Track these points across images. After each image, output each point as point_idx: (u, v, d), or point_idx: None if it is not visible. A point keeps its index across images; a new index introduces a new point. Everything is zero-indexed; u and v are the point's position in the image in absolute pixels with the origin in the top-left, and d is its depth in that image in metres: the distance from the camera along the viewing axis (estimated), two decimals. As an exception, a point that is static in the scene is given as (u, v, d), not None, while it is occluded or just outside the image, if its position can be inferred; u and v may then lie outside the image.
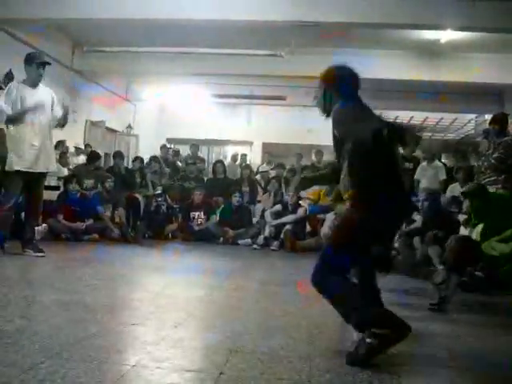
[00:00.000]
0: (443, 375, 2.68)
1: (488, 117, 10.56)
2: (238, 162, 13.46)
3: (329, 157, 12.57)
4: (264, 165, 13.44)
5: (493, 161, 6.45)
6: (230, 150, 16.85)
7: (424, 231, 6.61)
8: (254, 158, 15.98)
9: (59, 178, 9.18)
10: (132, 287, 4.83)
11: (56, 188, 8.98)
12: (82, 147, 11.57)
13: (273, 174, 11.12)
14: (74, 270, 5.46)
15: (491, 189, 6.44)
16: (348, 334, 3.35)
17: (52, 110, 6.15)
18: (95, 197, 8.90)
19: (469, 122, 14.71)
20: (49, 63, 6.21)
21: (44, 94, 6.11)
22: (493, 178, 6.45)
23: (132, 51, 11.42)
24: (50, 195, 8.29)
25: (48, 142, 6.18)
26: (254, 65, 11.35)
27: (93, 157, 10.36)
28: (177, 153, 13.12)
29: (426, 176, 9.15)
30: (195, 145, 12.64)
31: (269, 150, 15.93)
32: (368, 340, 2.66)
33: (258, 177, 11.43)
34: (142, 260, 6.87)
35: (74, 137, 11.60)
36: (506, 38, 9.53)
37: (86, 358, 2.49)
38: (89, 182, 9.13)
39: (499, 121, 6.75)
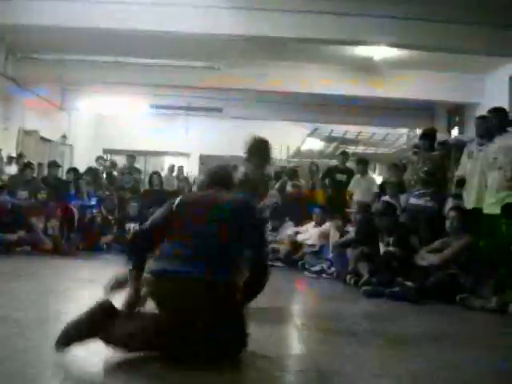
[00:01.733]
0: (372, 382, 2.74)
1: (419, 131, 10.92)
2: (174, 173, 13.41)
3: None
4: (201, 177, 13.43)
5: (422, 174, 6.67)
6: (167, 162, 16.75)
7: (356, 243, 6.77)
8: (192, 170, 15.95)
9: (-11, 188, 8.90)
10: (64, 301, 4.74)
11: (-15, 198, 8.70)
12: (14, 156, 11.26)
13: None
14: (3, 283, 5.30)
15: (420, 201, 6.68)
16: (282, 343, 3.42)
17: None
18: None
19: (401, 137, 15.14)
20: None
21: None
22: (422, 191, 6.68)
23: (67, 59, 11.25)
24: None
25: None
26: (191, 76, 11.38)
27: (26, 166, 10.10)
28: (113, 163, 12.95)
29: (360, 188, 9.34)
30: (131, 155, 12.49)
31: (206, 161, 15.94)
32: None
33: (194, 188, 11.41)
34: (75, 272, 6.73)
35: (6, 145, 11.29)
36: (436, 56, 9.90)
37: (15, 374, 2.44)
38: (22, 194, 8.92)
39: (428, 136, 7.01)
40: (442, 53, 9.64)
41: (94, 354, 2.82)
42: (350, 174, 9.95)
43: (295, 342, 3.74)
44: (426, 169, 6.65)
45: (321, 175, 10.28)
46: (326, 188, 9.93)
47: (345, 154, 10.72)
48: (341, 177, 9.84)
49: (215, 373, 2.66)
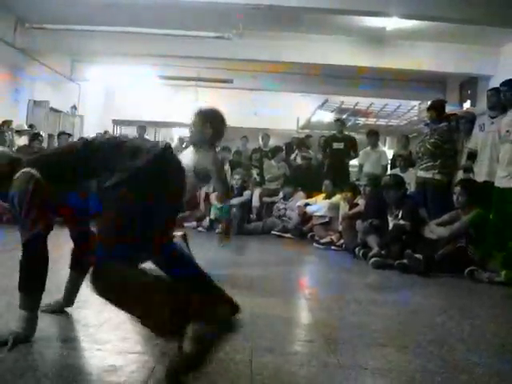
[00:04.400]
0: (378, 352, 2.76)
1: (430, 103, 10.81)
2: (184, 144, 13.39)
3: (275, 141, 12.66)
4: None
5: (429, 146, 6.64)
6: (176, 132, 16.72)
7: (365, 215, 6.77)
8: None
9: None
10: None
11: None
12: (25, 127, 11.26)
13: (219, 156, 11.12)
14: (15, 254, 5.34)
15: (428, 174, 6.66)
16: (291, 313, 3.44)
17: None
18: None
19: (412, 109, 15.00)
20: None
21: None
22: (430, 164, 6.65)
23: (77, 29, 11.14)
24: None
25: None
26: (202, 47, 11.25)
27: (33, 137, 10.09)
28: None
29: (369, 161, 9.31)
30: (142, 126, 12.43)
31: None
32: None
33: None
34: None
35: (16, 117, 11.29)
36: (449, 27, 9.74)
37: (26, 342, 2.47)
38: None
39: (436, 107, 6.95)
40: (456, 24, 9.49)
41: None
42: (347, 141, 9.90)
43: (302, 312, 3.77)
44: (432, 140, 6.62)
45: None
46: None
47: (340, 121, 10.60)
48: (338, 145, 9.78)
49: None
